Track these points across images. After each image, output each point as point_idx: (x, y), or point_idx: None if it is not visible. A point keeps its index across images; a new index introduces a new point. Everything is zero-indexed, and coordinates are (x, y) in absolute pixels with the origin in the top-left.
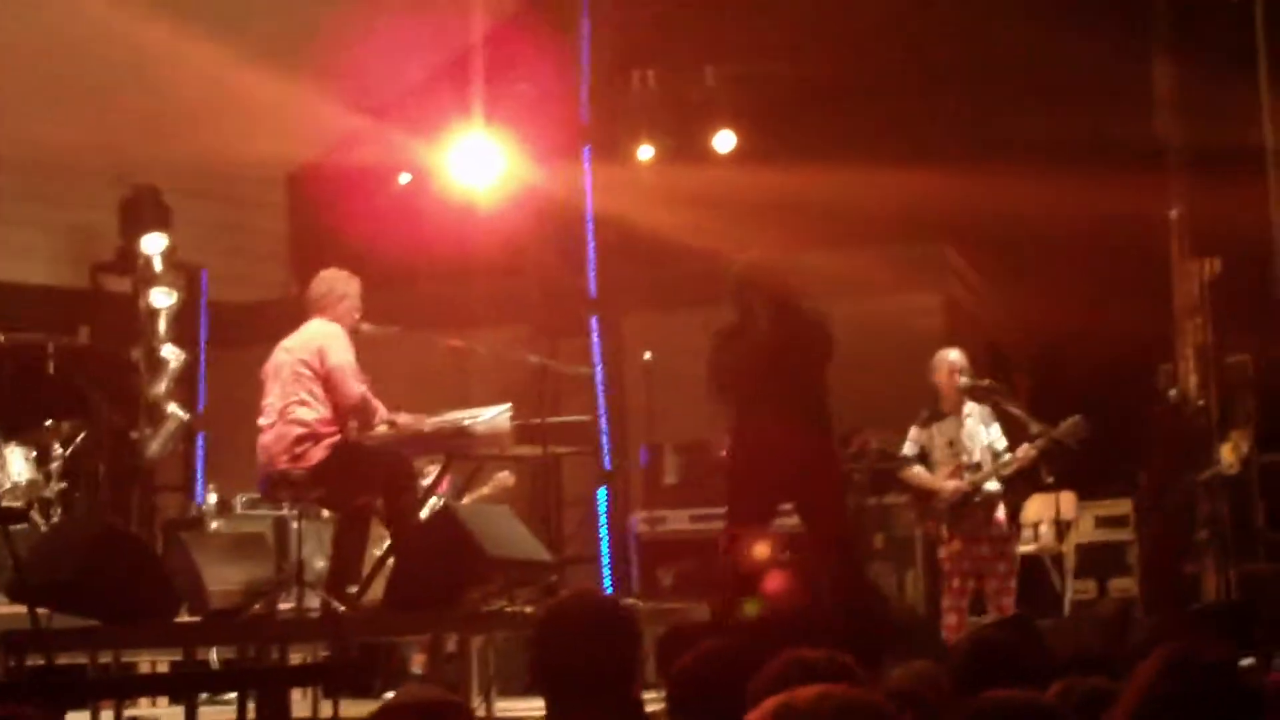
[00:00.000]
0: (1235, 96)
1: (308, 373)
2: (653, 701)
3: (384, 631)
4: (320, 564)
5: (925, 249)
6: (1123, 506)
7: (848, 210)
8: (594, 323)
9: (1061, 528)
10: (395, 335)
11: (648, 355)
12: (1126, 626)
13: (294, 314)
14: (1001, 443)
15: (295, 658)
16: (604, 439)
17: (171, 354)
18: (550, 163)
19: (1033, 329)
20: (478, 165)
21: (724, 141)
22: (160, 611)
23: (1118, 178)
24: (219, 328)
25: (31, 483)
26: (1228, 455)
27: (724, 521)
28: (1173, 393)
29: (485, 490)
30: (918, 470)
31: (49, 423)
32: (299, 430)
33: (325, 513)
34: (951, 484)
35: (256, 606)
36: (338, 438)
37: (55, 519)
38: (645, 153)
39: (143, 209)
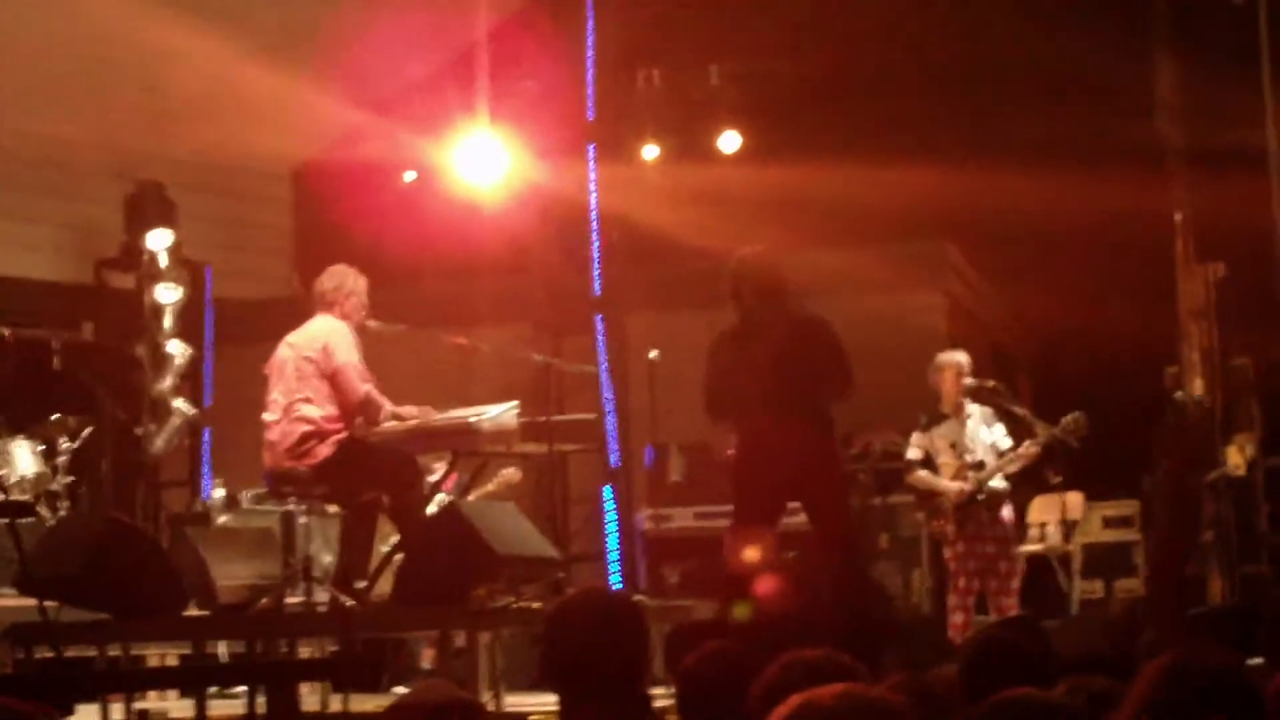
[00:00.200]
0: (1238, 98)
1: (313, 370)
2: (661, 698)
3: (392, 627)
4: (327, 559)
5: (927, 247)
6: (1129, 507)
7: (850, 208)
8: (599, 321)
9: (1068, 528)
10: (400, 333)
11: (653, 354)
12: (1133, 628)
13: (299, 310)
14: (1005, 442)
15: (304, 652)
16: (610, 437)
17: (177, 349)
18: (555, 161)
19: (1034, 328)
20: (482, 163)
21: (728, 140)
22: (167, 606)
23: (1119, 178)
24: (224, 324)
25: (38, 477)
26: (1233, 458)
27: (729, 520)
28: (1179, 395)
29: (491, 487)
30: (922, 473)
31: (55, 417)
32: (305, 428)
33: (332, 508)
34: (956, 485)
35: (264, 601)
36: (344, 435)
37: (61, 513)
38: (650, 151)
39: (147, 205)
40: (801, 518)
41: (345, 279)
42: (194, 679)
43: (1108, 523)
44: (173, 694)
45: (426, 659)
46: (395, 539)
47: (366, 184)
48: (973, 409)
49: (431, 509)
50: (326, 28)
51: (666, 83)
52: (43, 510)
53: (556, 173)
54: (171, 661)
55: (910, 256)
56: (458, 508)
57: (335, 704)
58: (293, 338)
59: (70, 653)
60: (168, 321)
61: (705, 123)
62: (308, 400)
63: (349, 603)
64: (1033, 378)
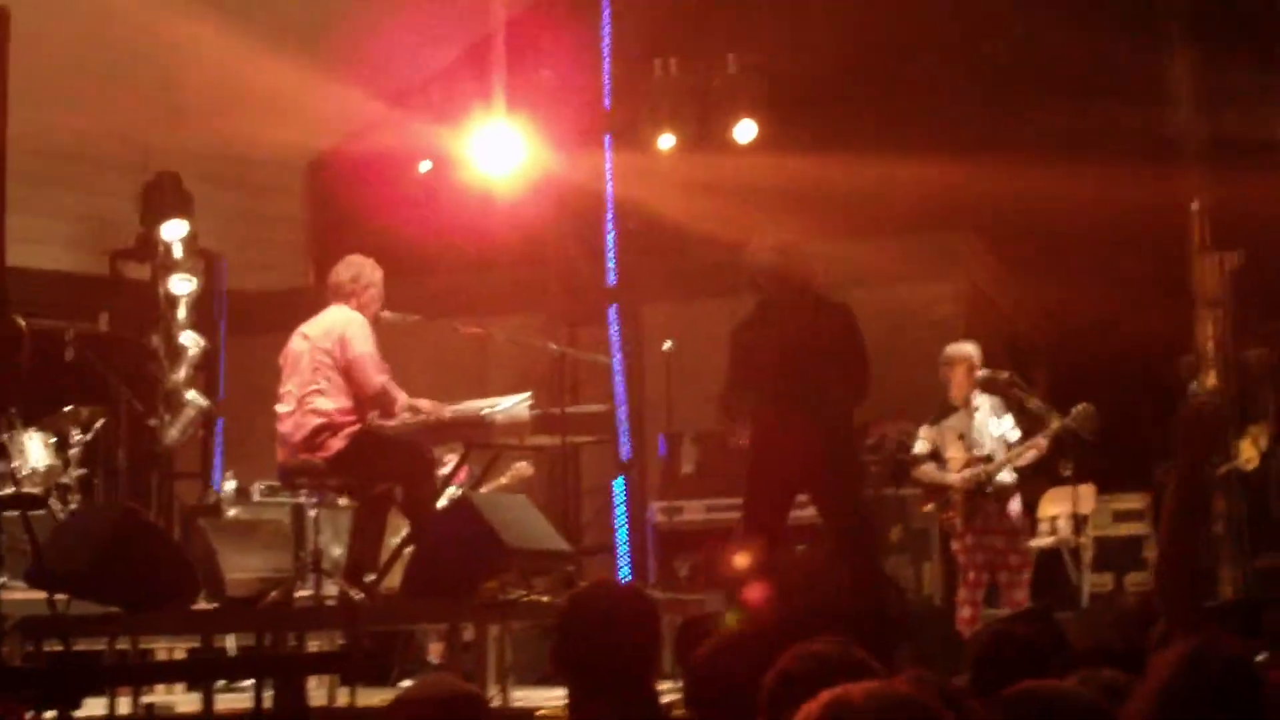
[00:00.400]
0: (1254, 87)
1: (328, 361)
2: (669, 691)
3: (401, 620)
4: (337, 552)
5: (945, 238)
6: (1141, 500)
7: (867, 199)
8: (613, 312)
9: (1079, 521)
10: (415, 323)
11: (668, 344)
12: (1145, 620)
13: (313, 302)
14: (1014, 434)
15: (312, 646)
16: (622, 429)
17: (191, 341)
18: (571, 151)
19: (1051, 319)
20: (498, 153)
21: (745, 130)
22: (179, 598)
23: (1136, 168)
24: (238, 315)
25: (50, 469)
26: (1246, 450)
27: (741, 512)
28: (1193, 386)
29: (503, 480)
30: (929, 468)
31: (68, 409)
32: (317, 420)
33: (343, 501)
34: (961, 477)
35: (273, 594)
36: (357, 427)
37: (74, 505)
38: (666, 141)
39: (163, 196)
40: (812, 510)
41: (363, 270)
42: (202, 672)
43: (1119, 516)
44: (179, 687)
45: (434, 653)
46: (406, 531)
47: (382, 175)
48: (981, 400)
49: (442, 503)
50: (342, 19)
51: (683, 72)
52: (55, 503)
53: (572, 162)
54: (179, 655)
55: (927, 247)
56: (469, 500)
57: (343, 697)
58: (307, 328)
59: (79, 646)
60: (182, 313)
61: (722, 113)
62: (321, 392)
63: (358, 596)
64: (1049, 368)
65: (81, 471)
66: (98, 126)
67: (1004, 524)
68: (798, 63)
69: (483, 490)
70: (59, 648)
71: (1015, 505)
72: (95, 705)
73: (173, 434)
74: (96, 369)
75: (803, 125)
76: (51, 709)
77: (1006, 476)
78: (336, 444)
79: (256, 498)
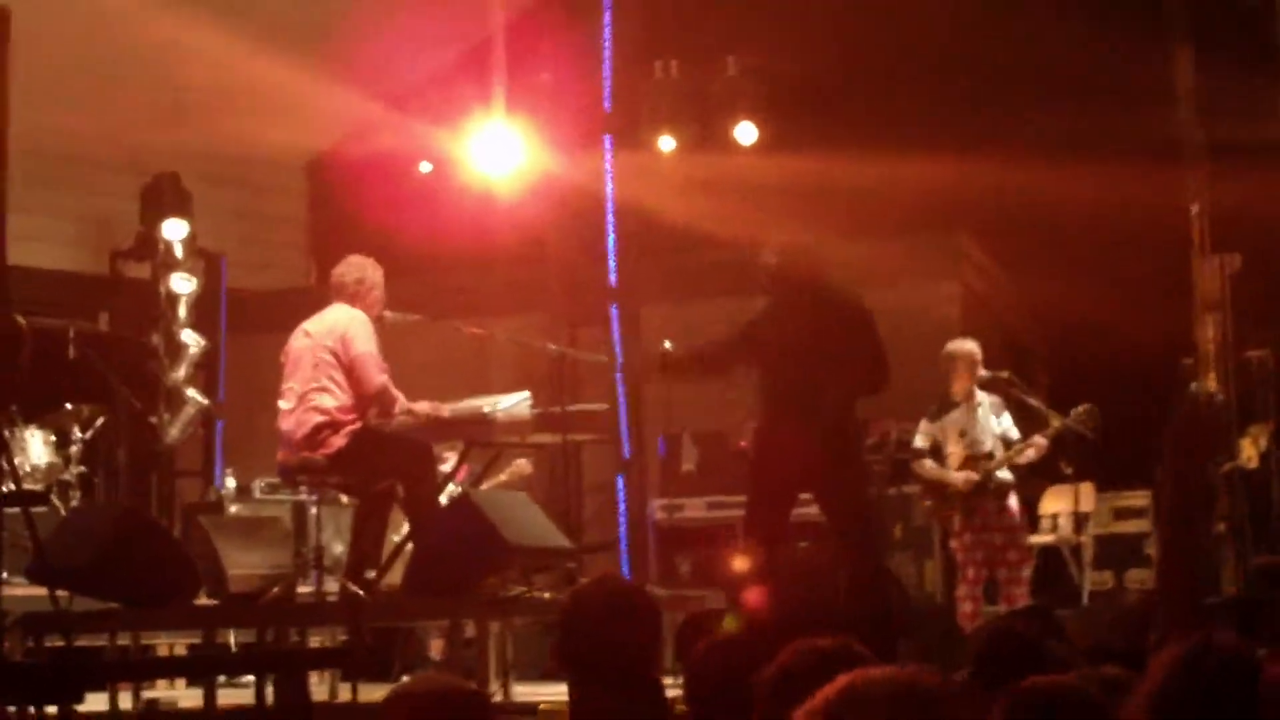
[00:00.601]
0: (1255, 89)
1: (331, 359)
2: (670, 688)
3: (402, 617)
4: (338, 549)
5: (943, 239)
6: (1141, 498)
7: (866, 199)
8: (614, 312)
9: (1079, 519)
10: (416, 323)
11: (667, 345)
12: (1146, 618)
13: (314, 301)
14: (1014, 432)
15: (314, 642)
16: (623, 427)
17: (191, 340)
18: (571, 152)
19: (1050, 320)
20: (498, 154)
21: (745, 132)
22: (180, 594)
23: (1135, 169)
24: (238, 314)
25: (51, 466)
26: (1247, 449)
27: (743, 510)
28: (1194, 386)
29: (503, 477)
30: (928, 464)
31: (69, 407)
32: (319, 418)
33: (344, 498)
34: (963, 475)
35: (275, 590)
36: (358, 425)
37: (75, 503)
38: (666, 143)
39: (163, 196)
40: (815, 508)
41: (365, 271)
42: (203, 668)
43: (1120, 514)
44: (181, 683)
45: (435, 649)
46: (407, 528)
47: (382, 175)
48: (982, 397)
49: (443, 500)
50: (342, 20)
51: (683, 74)
52: (56, 500)
53: (573, 164)
54: (180, 650)
55: (926, 248)
56: (470, 497)
57: (344, 693)
58: (310, 326)
59: (80, 641)
60: (182, 312)
61: (722, 114)
62: (323, 390)
63: (360, 593)
64: (1048, 369)
65: (82, 469)
66: (98, 127)
67: (1003, 521)
68: (797, 64)
69: (483, 488)
70: (61, 643)
71: (1013, 502)
72: (97, 700)
73: (173, 432)
74: (97, 368)
75: (802, 126)
76: (53, 704)
77: (1004, 474)
78: (338, 441)
79: (258, 495)
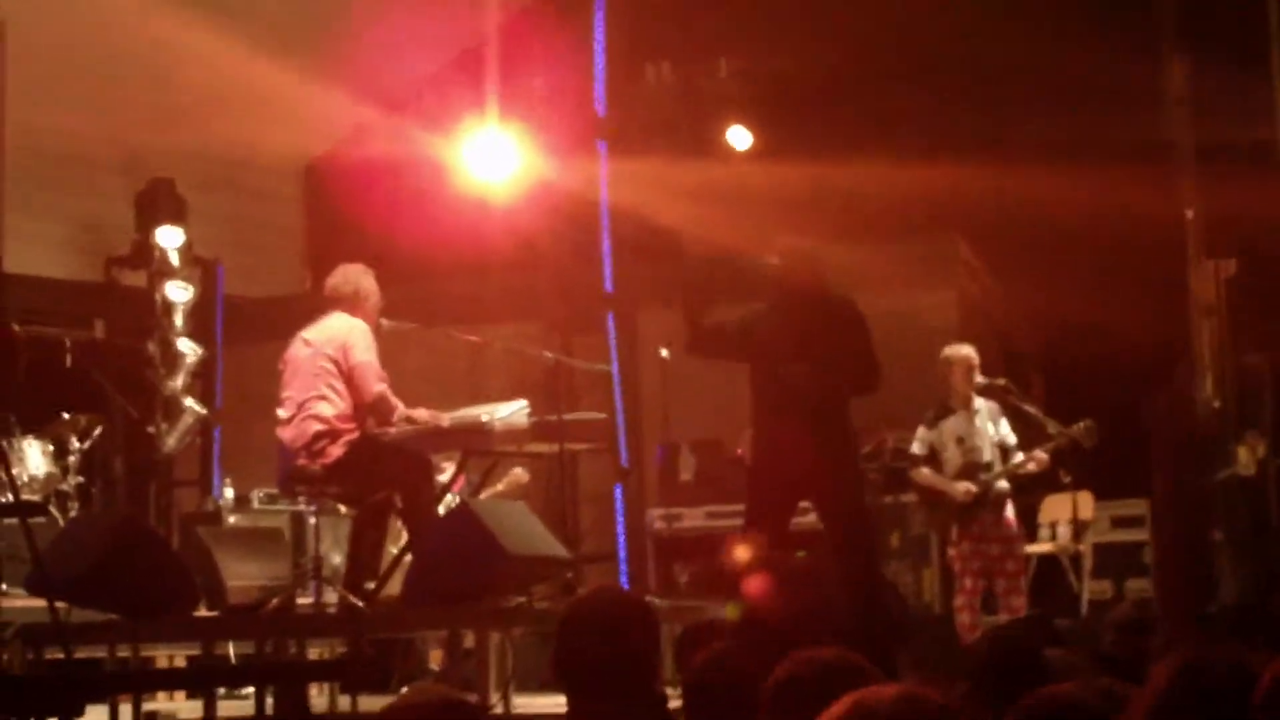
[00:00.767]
0: (1248, 93)
1: (331, 367)
2: (670, 699)
3: (401, 627)
4: (337, 559)
5: (939, 244)
6: (1140, 507)
7: (861, 205)
8: (610, 319)
9: (1078, 527)
10: (411, 330)
11: (664, 352)
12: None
13: (310, 309)
14: (1011, 438)
15: (313, 653)
16: (620, 436)
17: (188, 348)
18: (565, 157)
19: (1045, 326)
20: (492, 159)
21: (738, 136)
22: (179, 606)
23: (1130, 174)
24: (235, 322)
25: (49, 476)
26: (1244, 457)
27: (742, 519)
28: (1191, 394)
29: (500, 487)
30: (926, 471)
31: (66, 416)
32: (318, 427)
33: (342, 508)
34: (962, 486)
35: (274, 601)
36: (356, 434)
37: (72, 513)
38: (660, 147)
39: (158, 202)
40: (813, 516)
41: (361, 280)
42: (203, 679)
43: (1118, 522)
44: (181, 695)
45: (435, 660)
46: (406, 539)
47: (376, 181)
48: (980, 404)
49: (441, 510)
50: (336, 24)
51: (676, 78)
52: (53, 510)
53: (567, 169)
54: (180, 662)
55: (921, 253)
56: (469, 506)
57: (344, 705)
58: (310, 334)
59: (80, 653)
60: (179, 319)
61: (715, 118)
62: (322, 398)
63: (359, 604)
64: (1044, 375)
65: (80, 479)
66: (93, 132)
67: (1000, 531)
68: (791, 69)
69: (480, 497)
70: (60, 655)
71: (1009, 512)
72: (97, 713)
73: (170, 442)
74: (94, 376)
75: (796, 131)
76: (54, 717)
77: (1002, 483)
78: (335, 451)
79: (256, 505)
